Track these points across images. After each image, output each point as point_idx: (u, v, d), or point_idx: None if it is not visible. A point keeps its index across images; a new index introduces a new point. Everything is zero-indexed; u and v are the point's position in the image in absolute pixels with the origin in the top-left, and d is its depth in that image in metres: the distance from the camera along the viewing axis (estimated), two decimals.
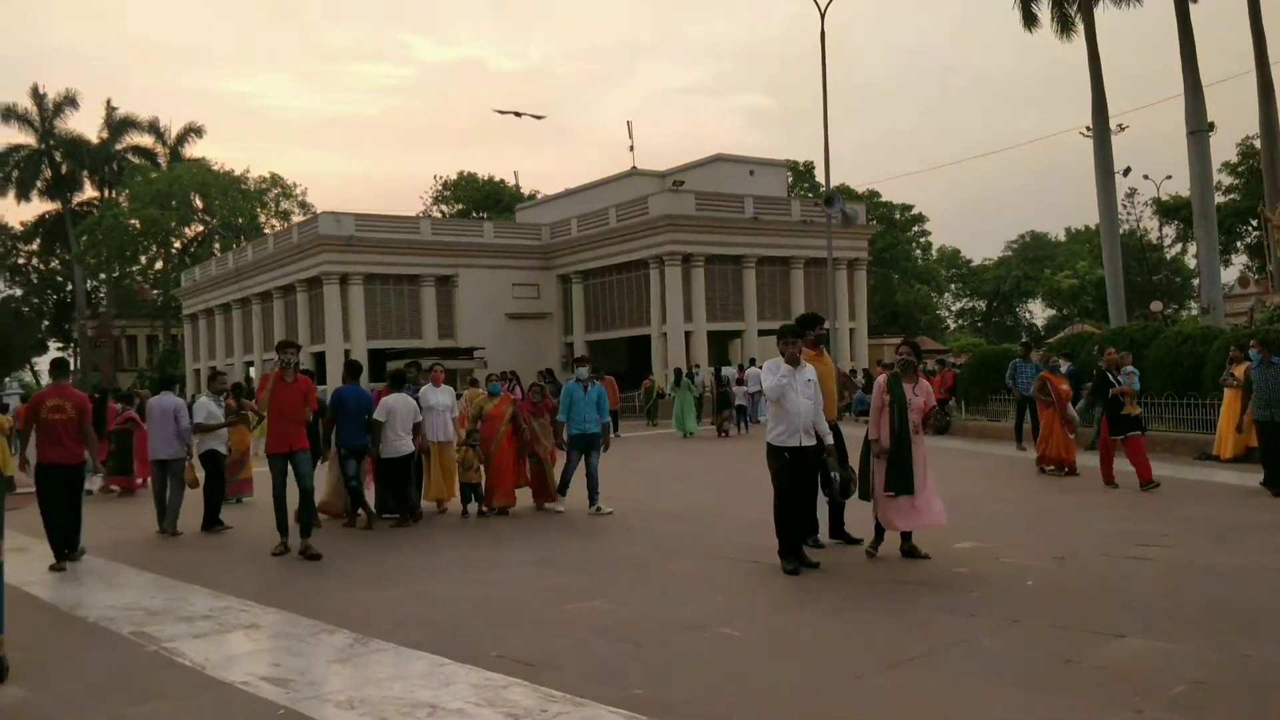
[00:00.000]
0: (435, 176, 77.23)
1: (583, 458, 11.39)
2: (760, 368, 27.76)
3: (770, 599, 6.92)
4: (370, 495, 11.52)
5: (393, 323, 38.75)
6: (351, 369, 11.62)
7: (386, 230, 38.89)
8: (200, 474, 11.66)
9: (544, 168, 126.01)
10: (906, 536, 7.97)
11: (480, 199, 65.96)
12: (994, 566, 7.63)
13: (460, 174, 68.52)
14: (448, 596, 7.38)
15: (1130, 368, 13.50)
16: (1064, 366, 16.05)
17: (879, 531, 8.03)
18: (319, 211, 42.47)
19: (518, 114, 39.23)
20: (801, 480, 7.66)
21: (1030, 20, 29.35)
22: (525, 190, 65.42)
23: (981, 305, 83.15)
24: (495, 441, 11.31)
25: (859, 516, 8.50)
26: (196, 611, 7.10)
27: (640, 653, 5.64)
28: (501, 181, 67.83)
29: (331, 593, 7.65)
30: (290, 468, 9.32)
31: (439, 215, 62.54)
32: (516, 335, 39.64)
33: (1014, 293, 77.93)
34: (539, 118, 39.81)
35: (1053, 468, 13.44)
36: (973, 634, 5.76)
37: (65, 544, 9.38)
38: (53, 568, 9.20)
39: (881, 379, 8.18)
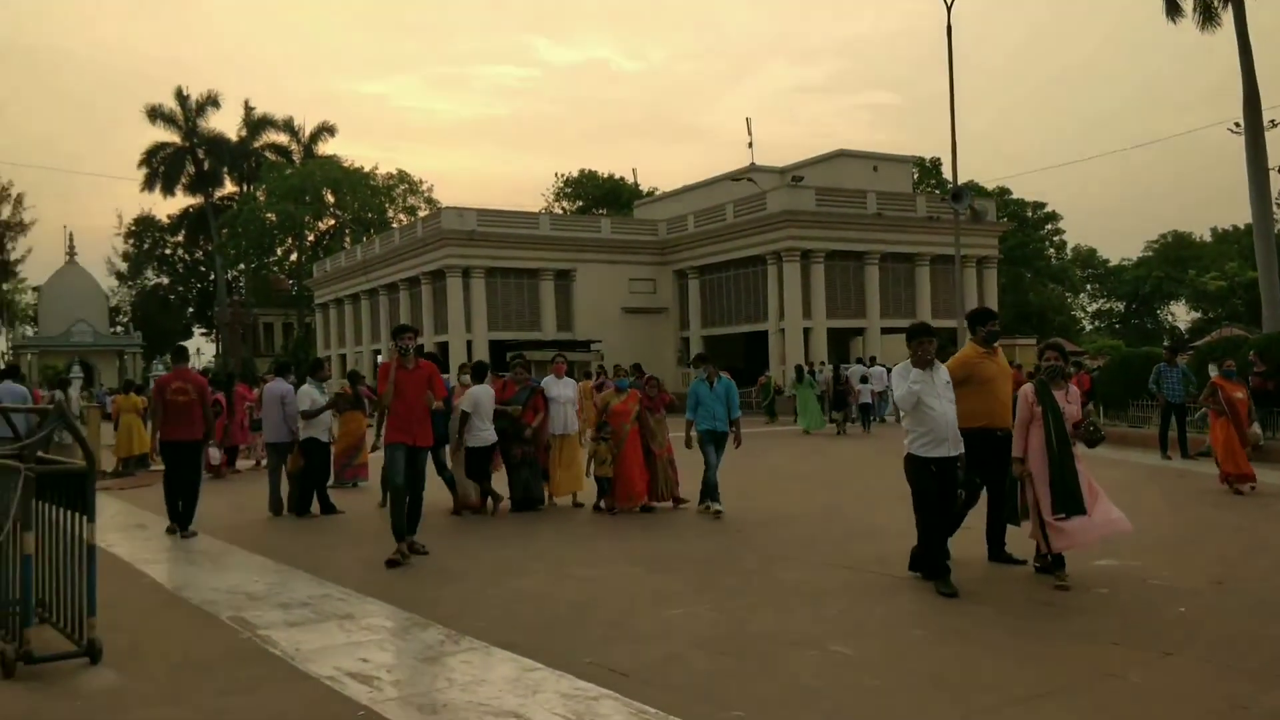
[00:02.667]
0: (557, 174, 78.05)
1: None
2: (884, 366, 27.14)
3: (888, 615, 6.39)
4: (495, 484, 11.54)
5: (513, 315, 39.09)
6: (430, 360, 11.61)
7: (507, 225, 39.27)
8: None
9: (664, 166, 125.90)
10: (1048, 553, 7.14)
11: (600, 196, 66.23)
12: (1141, 589, 6.91)
13: (581, 171, 68.99)
14: (544, 595, 7.10)
15: None
16: (1214, 371, 14.84)
17: (1059, 560, 7.03)
18: (443, 206, 43.22)
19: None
20: (949, 494, 6.98)
21: (1173, 10, 27.40)
22: (644, 187, 65.41)
23: (1119, 307, 79.21)
24: (622, 437, 11.00)
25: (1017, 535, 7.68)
26: (295, 598, 7.02)
27: (742, 669, 5.22)
28: (621, 179, 67.99)
29: (429, 585, 7.48)
30: (410, 464, 8.48)
31: (559, 212, 63.04)
32: (633, 329, 39.49)
33: (1155, 294, 73.98)
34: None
35: (1251, 485, 11.82)
36: (1117, 667, 5.14)
37: (182, 517, 10.10)
38: (169, 530, 10.17)
39: (1029, 389, 7.25)
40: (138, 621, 6.46)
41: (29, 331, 65.99)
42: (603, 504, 11.20)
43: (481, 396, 11.03)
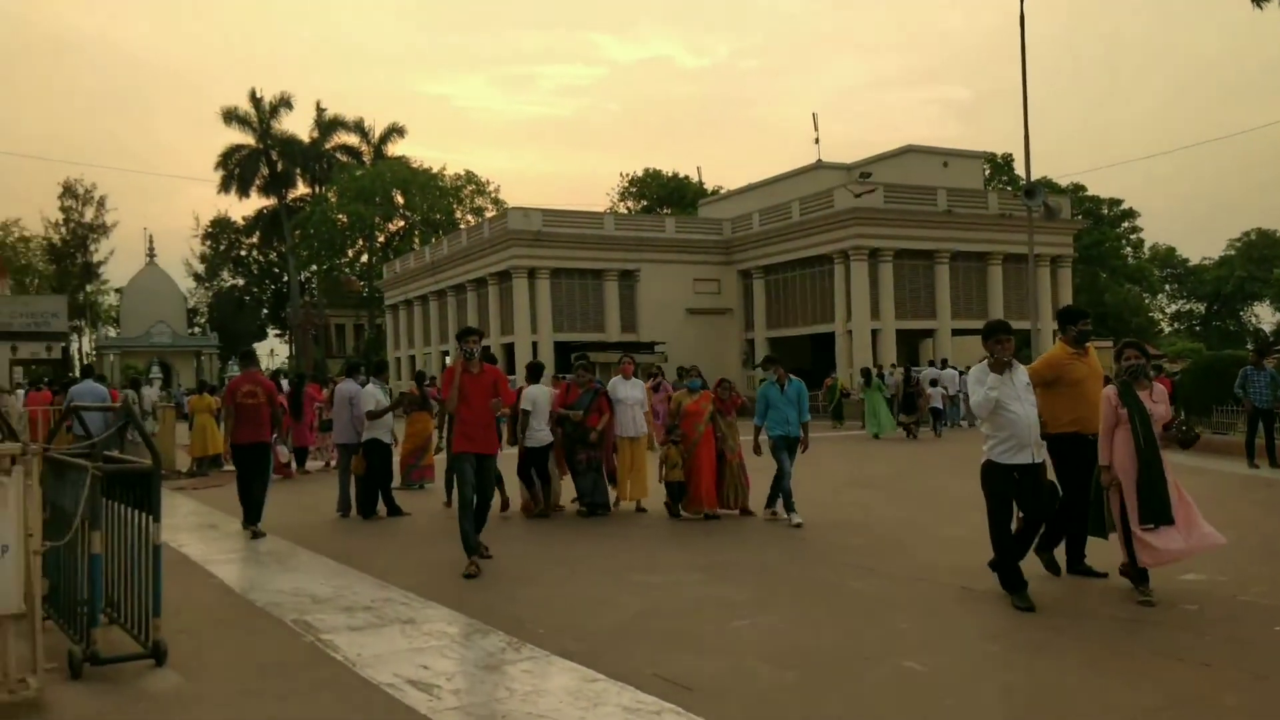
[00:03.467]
0: (621, 174, 78.16)
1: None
2: (955, 369, 26.56)
3: (963, 630, 6.16)
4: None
5: (577, 316, 39.17)
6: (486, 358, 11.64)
7: (572, 225, 39.36)
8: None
9: (729, 164, 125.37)
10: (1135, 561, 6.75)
11: (664, 195, 66.17)
12: (1231, 606, 6.57)
13: (646, 170, 68.97)
14: (607, 602, 6.99)
15: None
16: None
17: (1143, 574, 6.69)
18: (509, 207, 43.50)
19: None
20: (1037, 503, 6.67)
21: None
22: (709, 186, 65.20)
23: (1200, 308, 76.88)
24: (694, 440, 10.80)
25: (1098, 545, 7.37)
26: (359, 602, 7.01)
27: (810, 684, 5.05)
28: (685, 178, 67.84)
29: (492, 589, 7.42)
30: (477, 471, 8.25)
31: (624, 211, 63.10)
32: (697, 330, 39.32)
33: (1237, 294, 71.60)
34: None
35: None
36: (1209, 689, 4.87)
37: (252, 514, 10.28)
38: (244, 525, 10.32)
39: (1111, 391, 6.83)
40: (204, 623, 6.50)
41: (111, 332, 68.01)
42: (674, 508, 10.99)
43: (538, 395, 11.00)
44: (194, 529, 10.88)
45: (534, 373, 11.53)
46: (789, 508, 10.38)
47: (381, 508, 11.59)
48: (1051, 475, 7.09)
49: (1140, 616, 6.32)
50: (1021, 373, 6.74)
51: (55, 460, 5.97)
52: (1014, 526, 6.82)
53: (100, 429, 7.66)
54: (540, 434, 10.94)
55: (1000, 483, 6.63)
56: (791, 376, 10.72)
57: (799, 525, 10.12)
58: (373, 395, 11.76)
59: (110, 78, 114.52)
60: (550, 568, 8.34)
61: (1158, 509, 6.49)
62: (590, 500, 11.18)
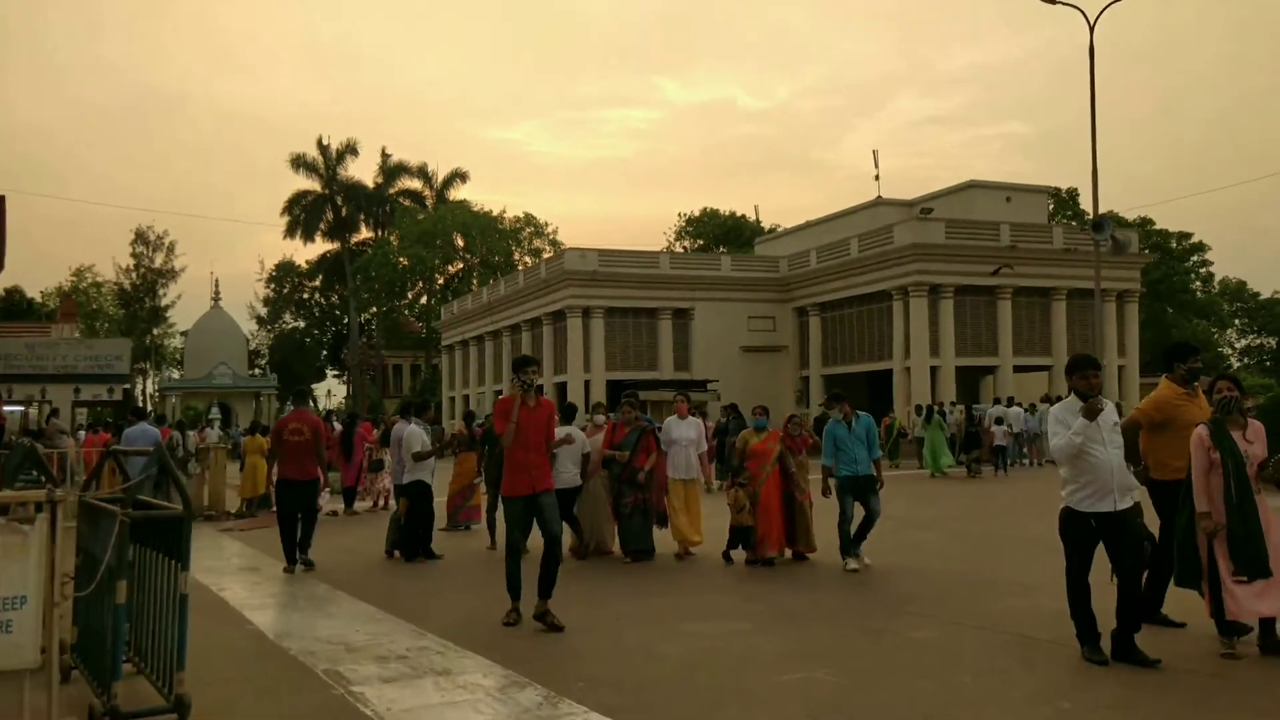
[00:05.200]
0: (679, 214, 78.35)
1: (857, 503, 10.03)
2: (1021, 405, 25.84)
3: (1030, 685, 5.73)
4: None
5: (630, 355, 39.05)
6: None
7: (628, 265, 39.38)
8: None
9: (788, 203, 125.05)
10: (1268, 626, 6.16)
11: (721, 234, 66.08)
12: None
13: (703, 210, 68.99)
14: (651, 652, 6.67)
15: None
16: None
17: (1230, 628, 6.19)
18: (566, 248, 43.66)
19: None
20: (1122, 552, 6.08)
21: None
22: (766, 224, 64.96)
23: (1271, 342, 74.39)
24: (760, 481, 10.32)
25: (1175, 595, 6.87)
26: (394, 650, 6.78)
27: None
28: (743, 217, 67.73)
29: (531, 638, 7.14)
30: (534, 512, 7.62)
31: (680, 250, 63.09)
32: (751, 368, 38.91)
33: None
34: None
35: None
36: None
37: (299, 550, 10.44)
38: (285, 569, 10.41)
39: (1203, 431, 6.20)
40: (233, 672, 6.32)
41: (175, 374, 69.42)
42: (732, 554, 10.53)
43: (571, 437, 10.75)
44: (236, 572, 10.78)
45: (566, 414, 11.34)
46: (845, 551, 9.93)
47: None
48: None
49: (1224, 671, 5.87)
50: (1110, 411, 6.21)
51: (89, 505, 5.86)
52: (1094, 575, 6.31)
53: (140, 473, 7.56)
54: (566, 475, 10.50)
55: (1079, 531, 6.13)
56: (859, 412, 10.28)
57: (855, 570, 9.70)
58: (419, 436, 11.60)
59: (186, 128, 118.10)
60: (591, 615, 8.02)
61: (1253, 561, 5.96)
62: (635, 547, 10.81)
